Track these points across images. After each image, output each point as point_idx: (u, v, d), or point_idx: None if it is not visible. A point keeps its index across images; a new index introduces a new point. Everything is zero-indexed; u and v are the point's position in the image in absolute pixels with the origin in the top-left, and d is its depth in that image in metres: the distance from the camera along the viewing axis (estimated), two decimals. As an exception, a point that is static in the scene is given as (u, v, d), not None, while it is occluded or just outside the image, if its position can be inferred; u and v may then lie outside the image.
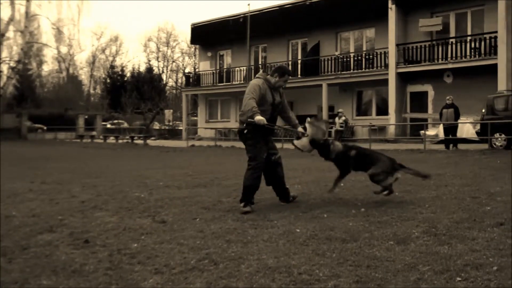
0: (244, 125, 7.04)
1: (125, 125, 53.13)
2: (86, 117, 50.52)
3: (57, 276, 3.89)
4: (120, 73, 74.31)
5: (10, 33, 41.41)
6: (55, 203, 7.53)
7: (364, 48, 33.46)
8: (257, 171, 7.04)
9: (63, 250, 4.73)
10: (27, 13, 40.22)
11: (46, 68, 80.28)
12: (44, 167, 14.14)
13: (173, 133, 49.09)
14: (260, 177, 7.13)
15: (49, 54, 72.04)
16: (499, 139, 19.40)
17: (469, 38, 27.39)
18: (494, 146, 19.40)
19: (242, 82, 37.01)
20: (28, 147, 28.37)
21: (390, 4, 29.46)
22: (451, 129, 21.30)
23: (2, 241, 5.04)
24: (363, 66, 32.09)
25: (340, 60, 32.93)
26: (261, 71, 7.34)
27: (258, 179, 7.07)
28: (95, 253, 4.63)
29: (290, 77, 7.52)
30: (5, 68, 42.55)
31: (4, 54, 41.70)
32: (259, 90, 7.03)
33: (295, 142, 7.49)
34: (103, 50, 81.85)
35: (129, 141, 34.90)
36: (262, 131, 7.02)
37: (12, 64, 42.71)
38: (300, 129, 7.44)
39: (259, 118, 6.73)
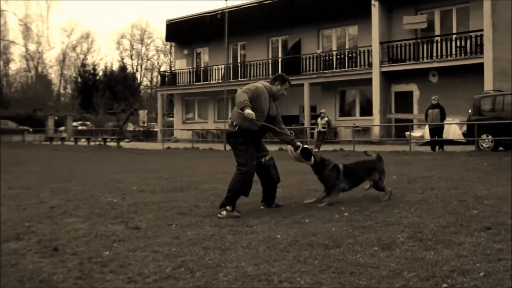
0: (236, 128, 7.00)
1: (90, 126, 52.53)
2: (56, 118, 50.09)
3: (24, 286, 3.85)
4: (91, 71, 73.98)
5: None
6: (22, 209, 7.46)
7: (347, 46, 33.67)
8: (248, 177, 7.02)
9: (30, 259, 4.68)
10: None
11: (14, 66, 79.59)
12: (11, 171, 13.98)
13: (148, 135, 48.84)
14: (251, 183, 7.10)
15: (16, 52, 71.43)
16: (486, 140, 19.64)
17: (454, 36, 27.74)
18: (481, 147, 19.63)
19: (220, 81, 36.92)
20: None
21: (373, 1, 29.67)
22: (437, 130, 21.44)
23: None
24: (346, 65, 32.27)
25: (322, 58, 33.04)
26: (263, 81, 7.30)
27: (248, 185, 7.06)
28: (65, 261, 4.58)
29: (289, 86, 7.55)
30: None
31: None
32: (257, 90, 7.01)
33: (290, 150, 7.51)
34: (74, 48, 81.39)
35: (102, 143, 34.70)
36: (254, 135, 7.03)
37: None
38: (298, 143, 7.41)
39: (248, 111, 6.65)
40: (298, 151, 7.28)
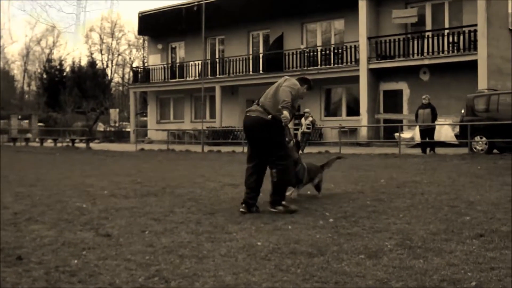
0: (270, 117, 7.26)
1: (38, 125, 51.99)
2: (20, 117, 49.65)
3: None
4: (58, 67, 73.31)
5: None
6: (-17, 215, 7.36)
7: (333, 42, 33.66)
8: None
9: None
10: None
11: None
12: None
13: (120, 136, 48.69)
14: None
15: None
16: (480, 142, 19.83)
17: (446, 31, 27.91)
18: (475, 150, 19.80)
19: (197, 78, 36.78)
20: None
21: (359, -8, 29.63)
22: (428, 132, 21.51)
23: None
24: (332, 62, 32.22)
25: (306, 54, 33.02)
26: (292, 79, 7.64)
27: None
28: (29, 271, 4.53)
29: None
30: None
31: None
32: (299, 90, 7.41)
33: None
34: (39, 42, 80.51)
35: (70, 144, 34.50)
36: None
37: None
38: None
39: (286, 115, 6.93)
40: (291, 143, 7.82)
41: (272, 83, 7.65)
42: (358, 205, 7.86)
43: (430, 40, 27.97)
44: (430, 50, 27.84)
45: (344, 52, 31.49)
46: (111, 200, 8.83)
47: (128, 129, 47.17)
